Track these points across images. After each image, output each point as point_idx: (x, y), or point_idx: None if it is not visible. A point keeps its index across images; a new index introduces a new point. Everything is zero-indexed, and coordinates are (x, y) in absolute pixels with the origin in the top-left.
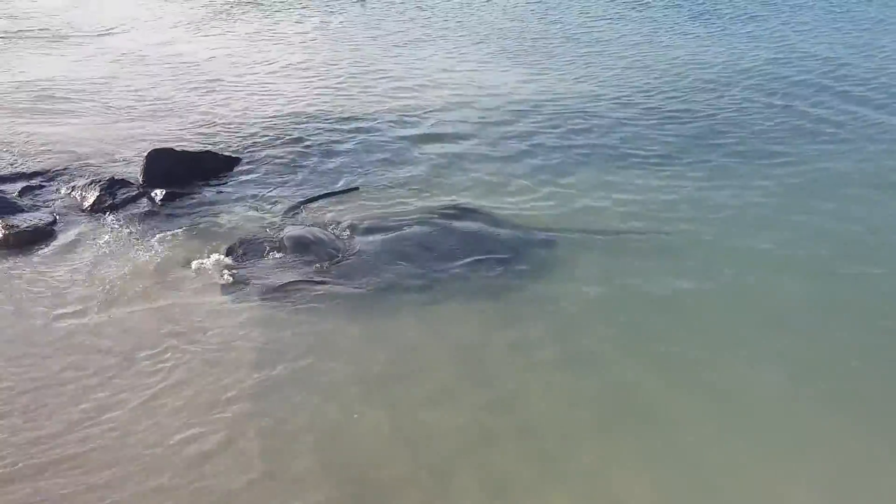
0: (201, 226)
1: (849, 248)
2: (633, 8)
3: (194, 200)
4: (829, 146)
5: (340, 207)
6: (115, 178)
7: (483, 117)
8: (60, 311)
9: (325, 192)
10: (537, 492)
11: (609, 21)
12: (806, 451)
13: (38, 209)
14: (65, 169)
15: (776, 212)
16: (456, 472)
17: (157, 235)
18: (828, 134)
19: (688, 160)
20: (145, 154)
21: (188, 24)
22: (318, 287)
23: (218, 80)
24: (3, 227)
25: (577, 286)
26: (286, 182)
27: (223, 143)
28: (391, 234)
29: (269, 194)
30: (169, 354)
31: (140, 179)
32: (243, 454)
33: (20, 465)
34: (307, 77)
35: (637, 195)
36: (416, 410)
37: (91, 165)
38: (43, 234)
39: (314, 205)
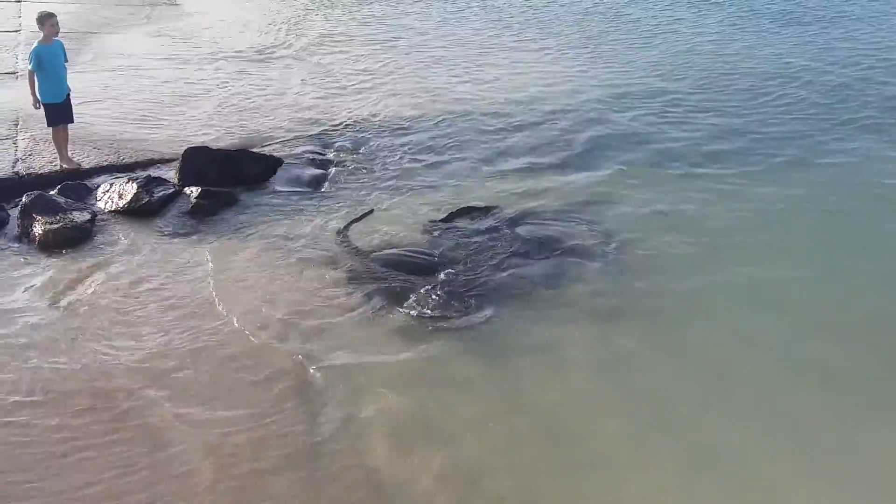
0: (246, 229)
1: None
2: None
3: (232, 202)
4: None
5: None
6: (152, 176)
7: (544, 118)
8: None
9: (354, 217)
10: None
11: (692, 21)
12: (848, 466)
13: (77, 207)
14: (105, 167)
15: (834, 218)
16: (485, 476)
17: (194, 235)
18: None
19: (755, 165)
20: (182, 153)
21: (268, 27)
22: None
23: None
24: (42, 225)
25: (615, 290)
26: (329, 191)
27: (275, 144)
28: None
29: (309, 203)
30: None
31: (176, 178)
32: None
33: None
34: (381, 80)
35: (696, 198)
36: (447, 412)
37: (138, 163)
38: (82, 232)
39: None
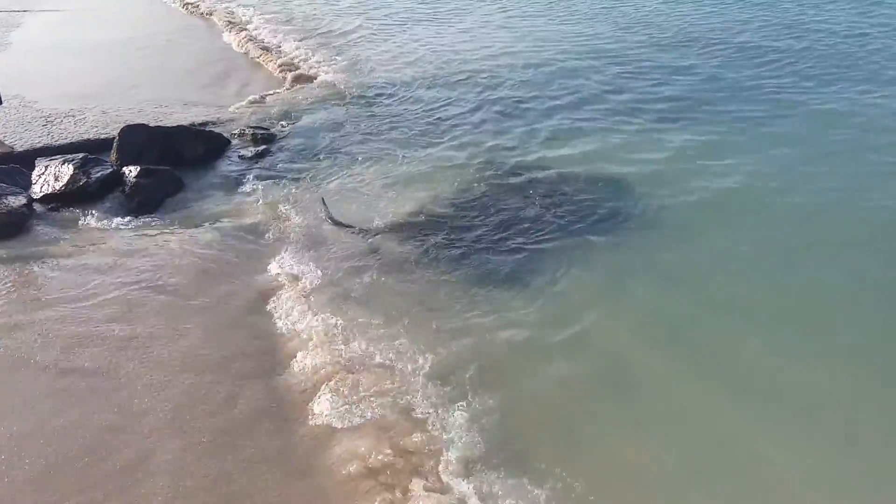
0: (191, 212)
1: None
2: None
3: (175, 183)
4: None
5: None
6: (89, 156)
7: (512, 79)
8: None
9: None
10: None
11: None
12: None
13: (11, 192)
14: (40, 149)
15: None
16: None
17: (131, 218)
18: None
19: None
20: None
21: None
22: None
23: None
24: None
25: (586, 254)
26: (279, 170)
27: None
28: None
29: (257, 184)
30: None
31: (114, 157)
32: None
33: None
34: (336, 48)
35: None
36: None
37: (74, 144)
38: (18, 217)
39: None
